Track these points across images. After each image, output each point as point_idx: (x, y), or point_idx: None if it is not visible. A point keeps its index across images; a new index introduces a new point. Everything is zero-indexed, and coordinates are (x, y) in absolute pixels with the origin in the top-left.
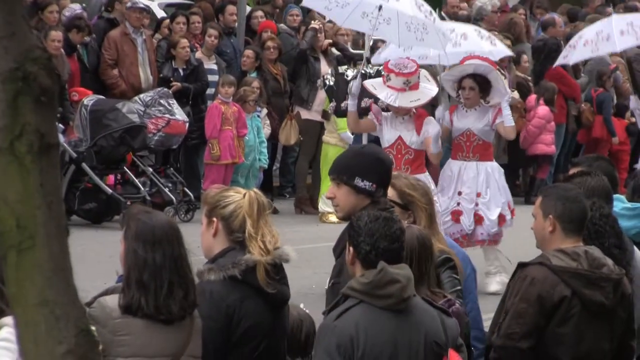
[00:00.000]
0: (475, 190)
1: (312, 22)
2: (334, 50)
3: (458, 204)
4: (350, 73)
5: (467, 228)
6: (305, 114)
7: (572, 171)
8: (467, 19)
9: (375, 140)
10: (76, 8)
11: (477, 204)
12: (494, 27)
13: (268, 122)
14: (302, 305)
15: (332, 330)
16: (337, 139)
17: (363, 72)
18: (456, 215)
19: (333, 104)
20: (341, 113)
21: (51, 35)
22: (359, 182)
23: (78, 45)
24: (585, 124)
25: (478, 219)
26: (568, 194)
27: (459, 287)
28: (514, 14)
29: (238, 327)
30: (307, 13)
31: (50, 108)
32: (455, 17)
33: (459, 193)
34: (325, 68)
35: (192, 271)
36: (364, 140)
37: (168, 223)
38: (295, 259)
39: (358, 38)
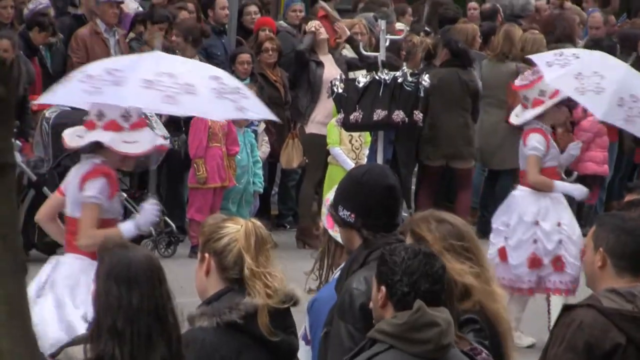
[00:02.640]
0: (555, 220)
1: (311, 22)
2: (344, 52)
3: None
4: (362, 79)
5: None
6: (310, 127)
7: (628, 198)
8: (491, 13)
9: (392, 160)
10: (43, 1)
11: (560, 241)
12: (536, 25)
13: (267, 138)
14: None
15: None
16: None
17: (377, 78)
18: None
19: (341, 115)
20: (350, 126)
21: None
22: (340, 210)
23: (40, 47)
24: None
25: (558, 264)
26: (625, 225)
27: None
28: (562, 10)
29: None
30: (311, 6)
31: (4, 121)
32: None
33: (536, 223)
34: (330, 73)
35: (177, 316)
36: (379, 160)
37: (147, 258)
38: (303, 301)
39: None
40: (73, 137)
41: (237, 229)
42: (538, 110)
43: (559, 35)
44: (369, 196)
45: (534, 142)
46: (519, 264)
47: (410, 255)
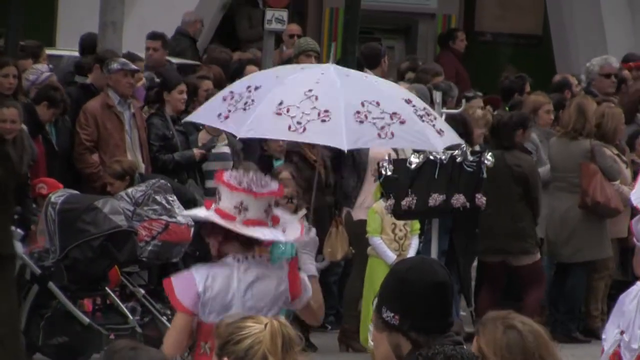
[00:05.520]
0: None
1: None
2: None
3: None
4: (414, 159)
5: None
6: (358, 213)
7: None
8: (560, 86)
9: (449, 252)
10: (43, 69)
11: None
12: (607, 93)
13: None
14: None
15: None
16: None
17: (432, 158)
18: None
19: (391, 201)
20: (402, 213)
21: (2, 113)
22: (384, 312)
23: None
24: None
25: None
26: None
27: None
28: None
29: None
30: None
31: (3, 207)
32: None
33: None
34: (378, 151)
35: None
36: (433, 252)
37: None
38: None
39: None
40: None
41: (260, 328)
42: None
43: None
44: (415, 295)
45: None
46: None
47: None
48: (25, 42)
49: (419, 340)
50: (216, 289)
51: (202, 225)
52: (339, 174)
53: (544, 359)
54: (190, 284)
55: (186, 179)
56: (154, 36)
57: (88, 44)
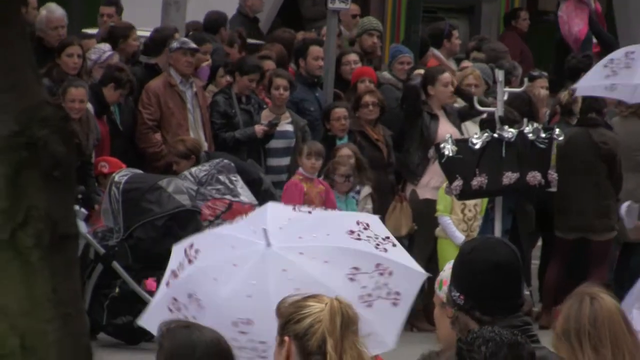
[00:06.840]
0: None
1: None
2: (455, 104)
3: None
4: (476, 139)
5: None
6: (424, 192)
7: None
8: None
9: (512, 231)
10: (106, 49)
11: None
12: None
13: (369, 206)
14: None
15: None
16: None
17: (497, 135)
18: None
19: (458, 182)
20: (472, 193)
21: (70, 93)
22: (452, 291)
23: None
24: None
25: None
26: None
27: None
28: None
29: None
30: (421, 57)
31: (65, 186)
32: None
33: None
34: (446, 129)
35: None
36: (497, 230)
37: (215, 341)
38: None
39: (490, 94)
40: None
41: (320, 307)
42: None
43: None
44: (477, 275)
45: None
46: None
47: (492, 350)
48: (115, 22)
49: (484, 319)
50: None
51: None
52: (404, 148)
53: (599, 332)
54: None
55: (246, 158)
56: (108, 2)
57: (211, 23)
